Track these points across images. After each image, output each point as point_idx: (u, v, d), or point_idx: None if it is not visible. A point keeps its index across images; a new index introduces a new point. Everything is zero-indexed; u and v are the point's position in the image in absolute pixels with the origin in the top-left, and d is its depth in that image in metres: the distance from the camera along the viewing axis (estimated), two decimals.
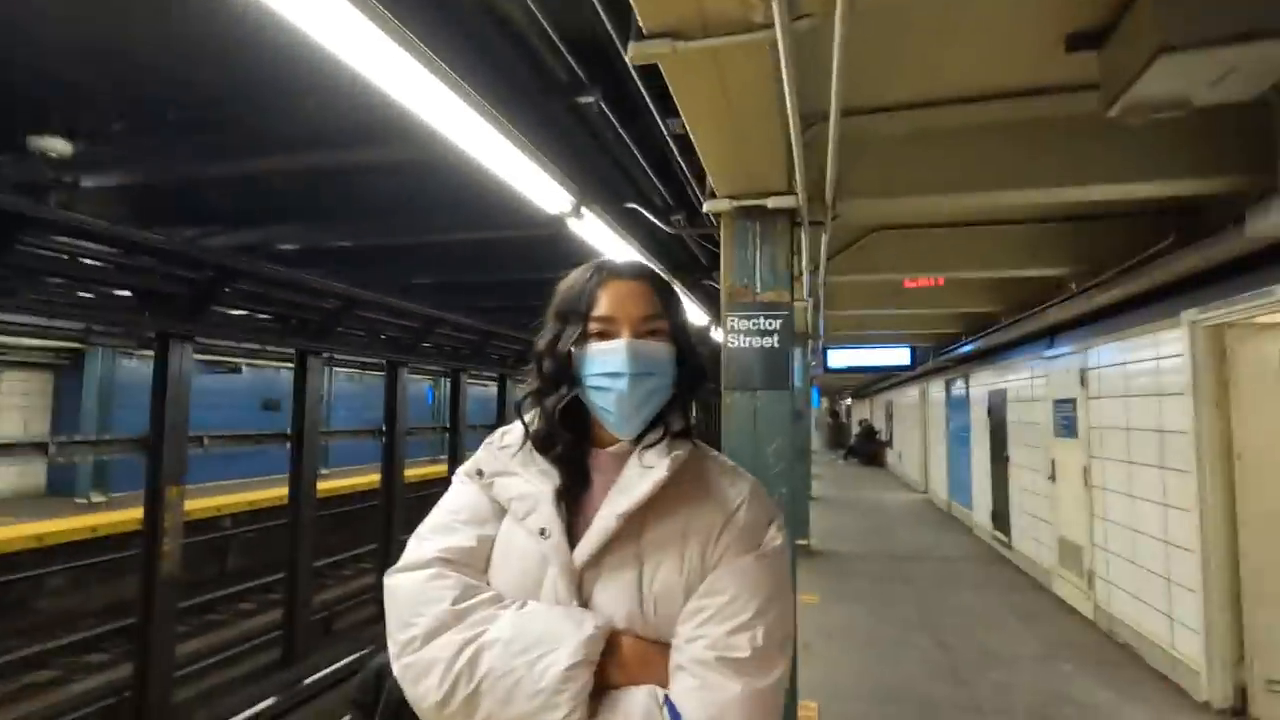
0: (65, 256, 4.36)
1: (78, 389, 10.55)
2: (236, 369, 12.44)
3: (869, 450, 20.01)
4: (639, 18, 1.66)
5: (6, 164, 3.82)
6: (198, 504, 8.63)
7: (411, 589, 0.86)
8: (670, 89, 1.99)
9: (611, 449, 0.95)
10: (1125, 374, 4.99)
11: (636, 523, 0.87)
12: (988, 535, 8.71)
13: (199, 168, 4.13)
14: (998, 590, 6.63)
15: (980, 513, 9.13)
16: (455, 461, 9.30)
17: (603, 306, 0.93)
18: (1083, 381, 5.67)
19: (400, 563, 0.91)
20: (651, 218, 3.91)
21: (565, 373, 0.93)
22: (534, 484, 0.92)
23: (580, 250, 4.01)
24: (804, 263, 3.80)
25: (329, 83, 2.52)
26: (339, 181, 4.52)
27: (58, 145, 3.62)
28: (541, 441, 0.94)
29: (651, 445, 0.92)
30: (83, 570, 7.96)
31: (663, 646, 0.84)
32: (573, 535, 0.88)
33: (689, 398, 0.98)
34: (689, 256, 5.39)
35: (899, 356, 10.12)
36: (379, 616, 0.90)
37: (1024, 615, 5.80)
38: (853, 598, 6.33)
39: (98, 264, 4.56)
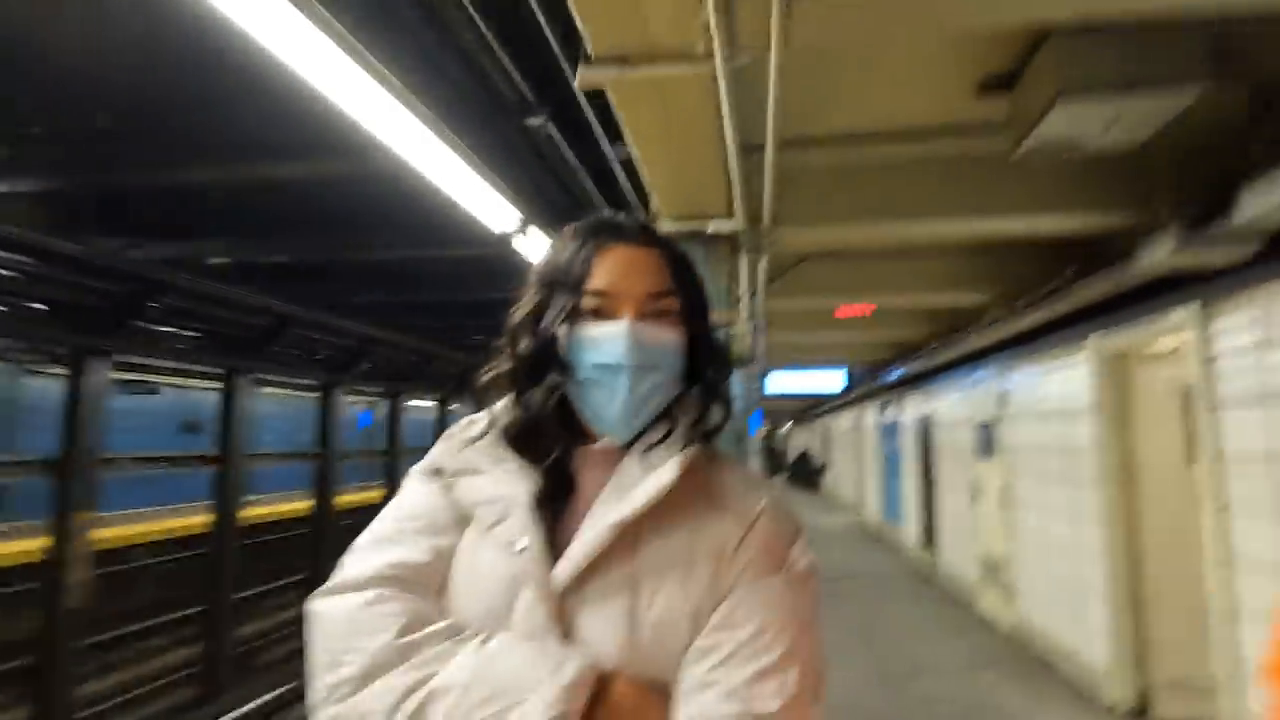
0: None
1: None
2: (154, 389, 11.78)
3: (806, 474, 20.50)
4: (588, 42, 1.74)
5: None
6: (109, 533, 8.08)
7: (344, 617, 0.68)
8: (617, 114, 2.08)
9: (601, 445, 0.78)
10: (1038, 396, 5.34)
11: (632, 536, 0.71)
12: (918, 554, 9.03)
13: (126, 176, 3.99)
14: (926, 606, 6.89)
15: (910, 533, 9.47)
16: (393, 489, 9.06)
17: (601, 277, 0.75)
18: (1001, 404, 6.03)
19: (331, 582, 0.72)
20: None
21: (550, 357, 0.75)
22: (505, 486, 0.75)
23: (525, 271, 4.04)
24: (742, 287, 3.94)
25: (269, 91, 2.49)
26: (274, 195, 4.43)
27: None
28: (519, 438, 0.77)
29: (655, 443, 0.76)
30: None
31: (663, 690, 0.67)
32: (553, 550, 0.71)
33: (707, 392, 0.80)
34: None
35: (834, 382, 10.49)
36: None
37: (950, 629, 6.04)
38: None
39: (7, 274, 4.29)
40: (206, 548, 6.43)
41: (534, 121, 2.73)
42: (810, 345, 8.42)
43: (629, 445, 0.77)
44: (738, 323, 4.00)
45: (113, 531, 8.64)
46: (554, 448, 0.76)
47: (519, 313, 0.79)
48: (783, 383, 10.44)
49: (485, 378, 0.81)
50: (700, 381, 0.80)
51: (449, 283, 6.02)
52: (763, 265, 3.73)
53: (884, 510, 11.36)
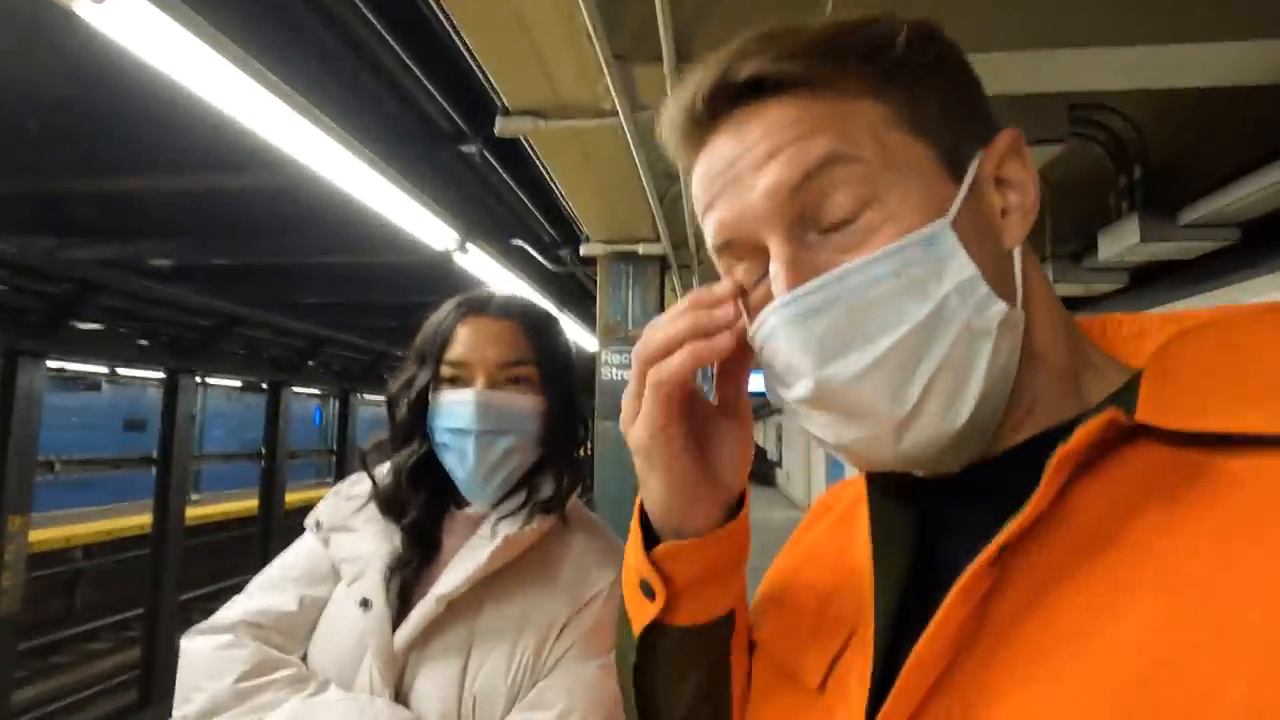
0: None
1: None
2: (96, 385, 11.46)
3: (759, 470, 20.94)
4: (503, 97, 1.88)
5: None
6: (44, 534, 7.88)
7: (199, 657, 0.74)
8: (538, 157, 2.23)
9: (469, 510, 0.81)
10: None
11: (473, 603, 0.74)
12: None
13: (61, 181, 3.96)
14: None
15: None
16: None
17: (456, 348, 0.79)
18: None
19: (205, 622, 0.78)
20: (536, 254, 4.12)
21: (419, 423, 0.80)
22: (368, 544, 0.79)
23: (471, 276, 4.15)
24: (677, 300, 4.13)
25: (200, 114, 2.55)
26: (214, 201, 4.42)
27: None
28: (386, 502, 0.80)
29: (508, 515, 0.79)
30: None
31: None
32: (405, 610, 0.74)
33: (564, 458, 0.83)
34: (579, 288, 5.62)
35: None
36: None
37: None
38: None
39: None
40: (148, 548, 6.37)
41: (468, 149, 2.84)
42: None
43: (487, 515, 0.80)
44: None
45: (50, 533, 8.43)
46: (413, 511, 0.79)
47: (395, 383, 0.84)
48: None
49: (368, 445, 0.85)
50: (562, 449, 0.82)
51: (397, 287, 6.07)
52: (695, 280, 3.92)
53: None
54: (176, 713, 0.72)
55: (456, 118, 2.70)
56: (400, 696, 0.72)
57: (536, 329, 0.83)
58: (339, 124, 2.10)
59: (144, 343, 5.99)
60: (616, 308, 3.33)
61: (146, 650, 5.84)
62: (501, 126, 1.93)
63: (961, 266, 0.34)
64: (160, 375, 6.46)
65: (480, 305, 0.82)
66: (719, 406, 0.45)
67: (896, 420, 0.34)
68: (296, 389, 8.19)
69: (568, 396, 0.83)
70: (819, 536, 0.51)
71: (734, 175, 0.38)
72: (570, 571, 0.78)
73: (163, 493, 6.10)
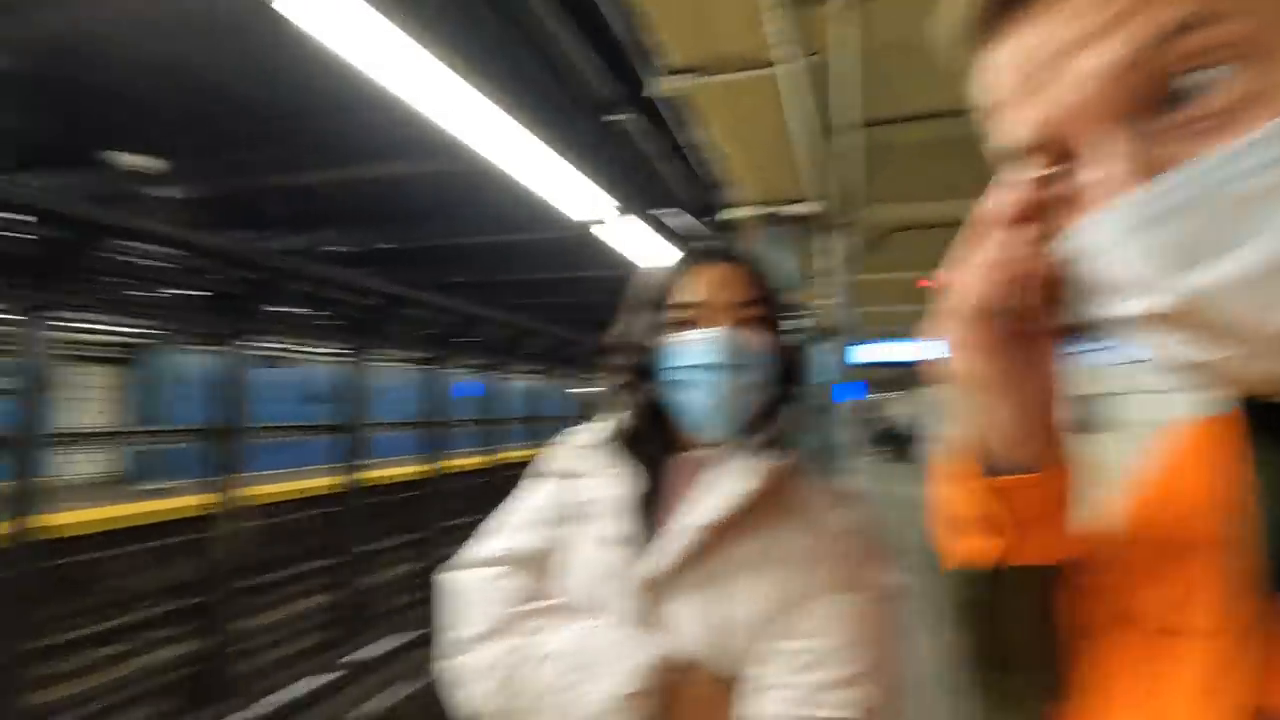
0: (139, 260, 4.72)
1: (143, 383, 11.19)
2: (290, 364, 12.95)
3: (896, 443, 19.80)
4: (666, 55, 1.84)
5: (90, 177, 4.19)
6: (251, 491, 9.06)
7: (469, 586, 0.80)
8: (696, 115, 2.17)
9: (697, 453, 0.83)
10: (1139, 369, 4.99)
11: (718, 537, 0.76)
12: None
13: (258, 179, 4.46)
14: None
15: None
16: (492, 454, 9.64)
17: (694, 291, 0.82)
18: (1111, 377, 5.68)
19: (461, 558, 0.84)
20: (677, 222, 4.10)
21: (648, 368, 0.83)
22: (608, 487, 0.82)
23: (611, 252, 4.22)
24: (828, 263, 3.93)
25: (374, 100, 2.73)
26: (380, 189, 4.79)
27: (134, 160, 3.95)
28: (622, 444, 0.84)
29: (745, 450, 0.80)
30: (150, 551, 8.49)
31: (734, 688, 0.72)
32: (647, 547, 0.77)
33: (788, 401, 0.84)
34: None
35: (932, 351, 10.07)
36: (416, 604, 0.85)
37: None
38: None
39: (169, 266, 4.91)
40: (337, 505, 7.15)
41: (616, 117, 2.85)
42: (901, 316, 8.16)
43: (722, 452, 0.81)
44: (820, 299, 4.02)
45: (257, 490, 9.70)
46: (650, 452, 0.83)
47: (619, 331, 0.87)
48: (873, 353, 10.17)
49: (589, 390, 0.93)
50: (788, 392, 0.84)
51: (540, 264, 6.30)
52: (849, 242, 3.71)
53: None
54: (454, 635, 0.77)
55: (606, 85, 2.71)
56: (653, 628, 0.75)
57: (763, 275, 0.85)
58: (496, 93, 2.16)
59: (325, 320, 6.65)
60: None
61: (336, 593, 6.56)
62: (661, 86, 1.89)
63: None
64: (334, 354, 7.18)
65: (706, 252, 0.87)
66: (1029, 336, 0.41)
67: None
68: (454, 367, 8.79)
69: (791, 341, 0.86)
70: (1156, 478, 0.47)
71: (1052, 58, 0.32)
72: (810, 509, 0.79)
73: (347, 457, 6.82)
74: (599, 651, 0.72)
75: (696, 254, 0.86)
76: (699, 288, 0.82)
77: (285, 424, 7.12)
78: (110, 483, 10.78)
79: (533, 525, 0.84)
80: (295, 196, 5.04)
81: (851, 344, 10.41)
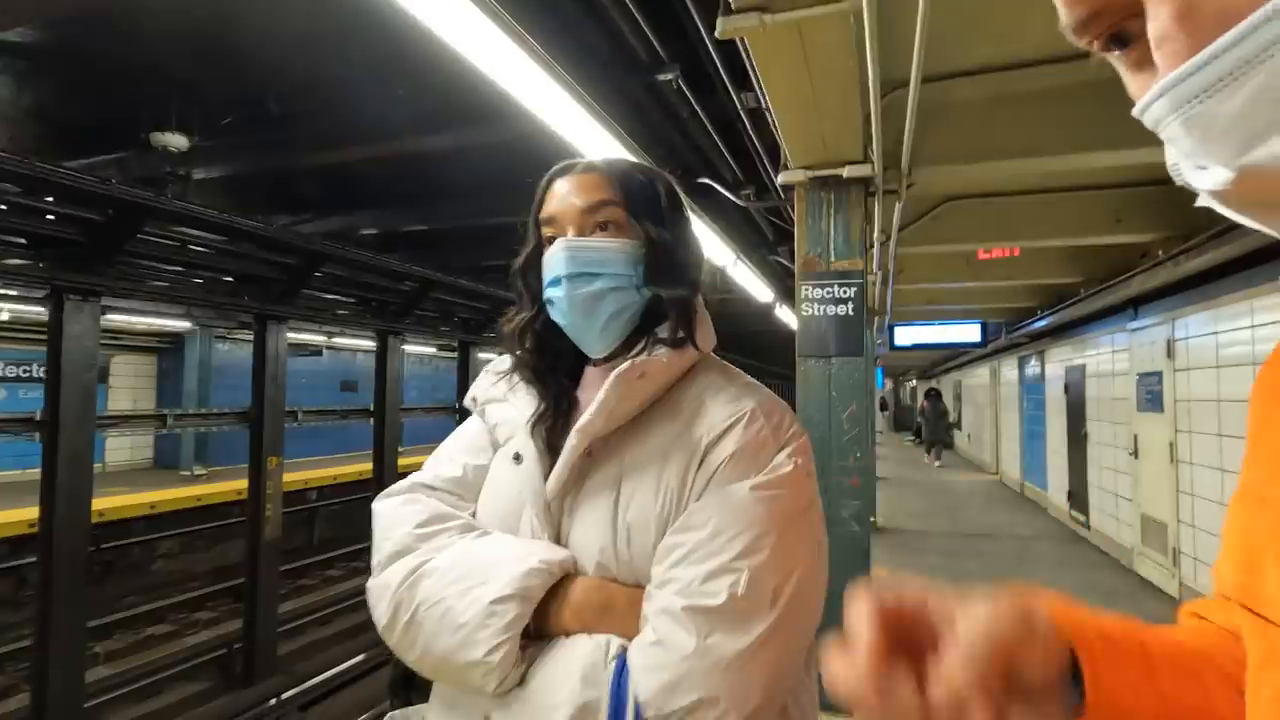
0: (179, 244, 4.73)
1: (178, 369, 11.40)
2: (318, 352, 13.13)
3: (933, 430, 19.46)
4: None
5: (131, 159, 4.19)
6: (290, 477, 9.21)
7: (385, 513, 0.83)
8: (751, 62, 2.06)
9: (599, 366, 0.83)
10: (1217, 344, 4.77)
11: (616, 443, 0.77)
12: (1064, 515, 8.45)
13: (293, 158, 4.43)
14: (1076, 569, 6.46)
15: (1056, 492, 8.86)
16: None
17: (547, 208, 0.82)
18: (1170, 353, 5.44)
19: (388, 488, 0.87)
20: (722, 191, 3.98)
21: (534, 289, 0.84)
22: (516, 409, 0.84)
23: None
24: (875, 234, 3.80)
25: (415, 60, 2.66)
26: (417, 167, 4.74)
27: (176, 140, 3.94)
28: (522, 366, 0.86)
29: (636, 356, 0.78)
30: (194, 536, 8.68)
31: (638, 591, 0.72)
32: (553, 463, 0.78)
33: (679, 300, 0.81)
34: (756, 232, 5.42)
35: (969, 333, 9.83)
36: None
37: (1105, 594, 5.65)
38: (924, 571, 6.29)
39: (207, 250, 4.92)
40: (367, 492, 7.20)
41: (664, 77, 2.75)
42: (946, 295, 7.95)
43: (615, 361, 0.80)
44: (868, 272, 3.88)
45: (292, 476, 9.83)
46: (543, 369, 0.84)
47: (516, 262, 0.87)
48: (912, 335, 9.94)
49: (506, 326, 0.89)
50: (671, 290, 0.81)
51: None
52: (898, 209, 3.57)
53: (1024, 467, 10.67)
54: (374, 557, 0.80)
55: (656, 43, 2.60)
56: (559, 541, 0.76)
57: (619, 175, 0.82)
58: (545, 50, 2.07)
59: (355, 304, 6.66)
60: (815, 239, 3.10)
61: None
62: (724, 26, 1.79)
63: None
64: (366, 343, 7.17)
65: (565, 166, 0.85)
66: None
67: None
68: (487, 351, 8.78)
69: (669, 238, 0.81)
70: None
71: None
72: (709, 403, 0.78)
73: (379, 440, 6.84)
74: (482, 561, 0.73)
75: (556, 171, 0.85)
76: (552, 202, 0.82)
77: (325, 408, 7.16)
78: (137, 470, 11.04)
79: (456, 454, 0.87)
80: (328, 177, 5.02)
81: (892, 325, 10.18)
